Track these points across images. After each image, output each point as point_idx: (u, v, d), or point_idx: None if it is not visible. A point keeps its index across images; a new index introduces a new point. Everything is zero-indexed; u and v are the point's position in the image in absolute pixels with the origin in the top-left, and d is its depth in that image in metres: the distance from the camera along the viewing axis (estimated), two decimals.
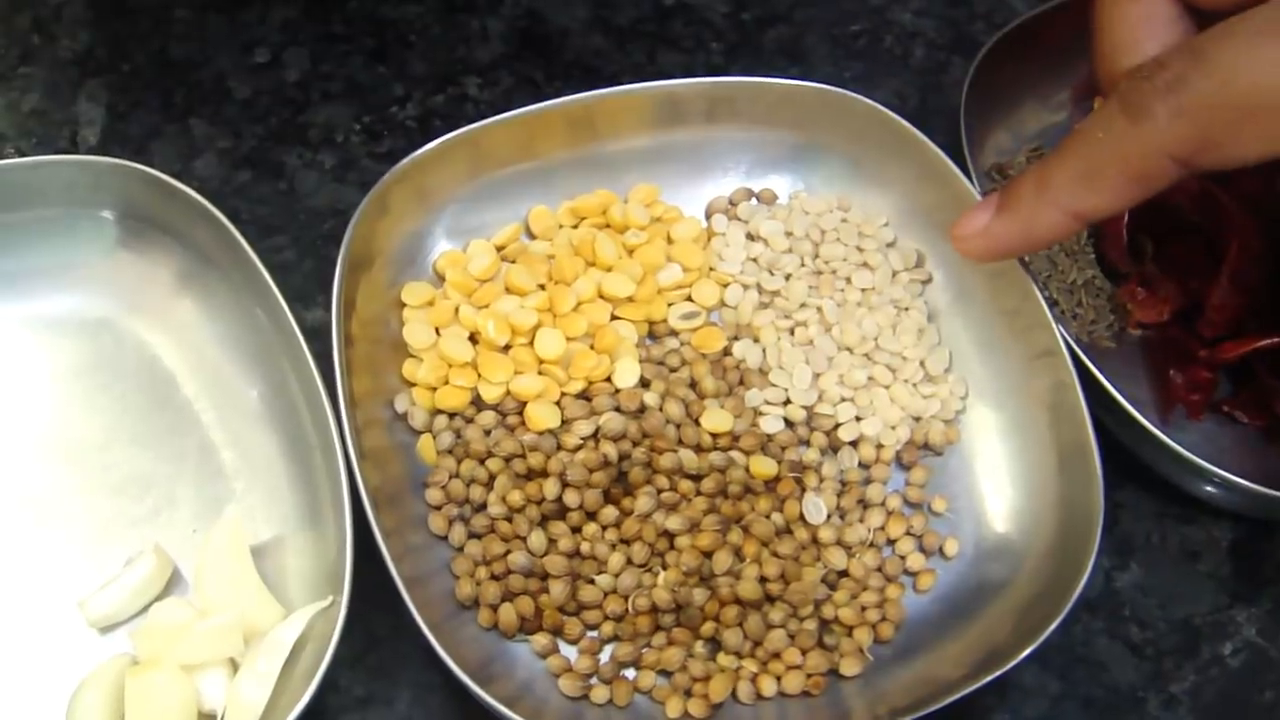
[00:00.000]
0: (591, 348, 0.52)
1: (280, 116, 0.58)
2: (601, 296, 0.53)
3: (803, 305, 0.54)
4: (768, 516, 0.50)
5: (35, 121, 0.58)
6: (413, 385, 0.52)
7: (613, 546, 0.49)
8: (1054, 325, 0.49)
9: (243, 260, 0.49)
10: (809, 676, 0.48)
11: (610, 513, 0.49)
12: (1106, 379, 0.50)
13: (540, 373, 0.52)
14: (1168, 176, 0.40)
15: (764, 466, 0.51)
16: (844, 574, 0.50)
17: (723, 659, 0.48)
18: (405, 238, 0.53)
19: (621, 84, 0.55)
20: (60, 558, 0.49)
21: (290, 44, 0.60)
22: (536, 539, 0.49)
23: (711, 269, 0.55)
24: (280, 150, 0.57)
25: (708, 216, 0.56)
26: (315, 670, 0.44)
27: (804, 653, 0.48)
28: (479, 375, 0.51)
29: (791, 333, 0.54)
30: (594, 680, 0.48)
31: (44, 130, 0.58)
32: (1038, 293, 0.50)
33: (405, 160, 0.51)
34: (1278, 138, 0.37)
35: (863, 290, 0.54)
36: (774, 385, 0.53)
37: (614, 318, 0.53)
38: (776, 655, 0.48)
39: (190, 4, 0.61)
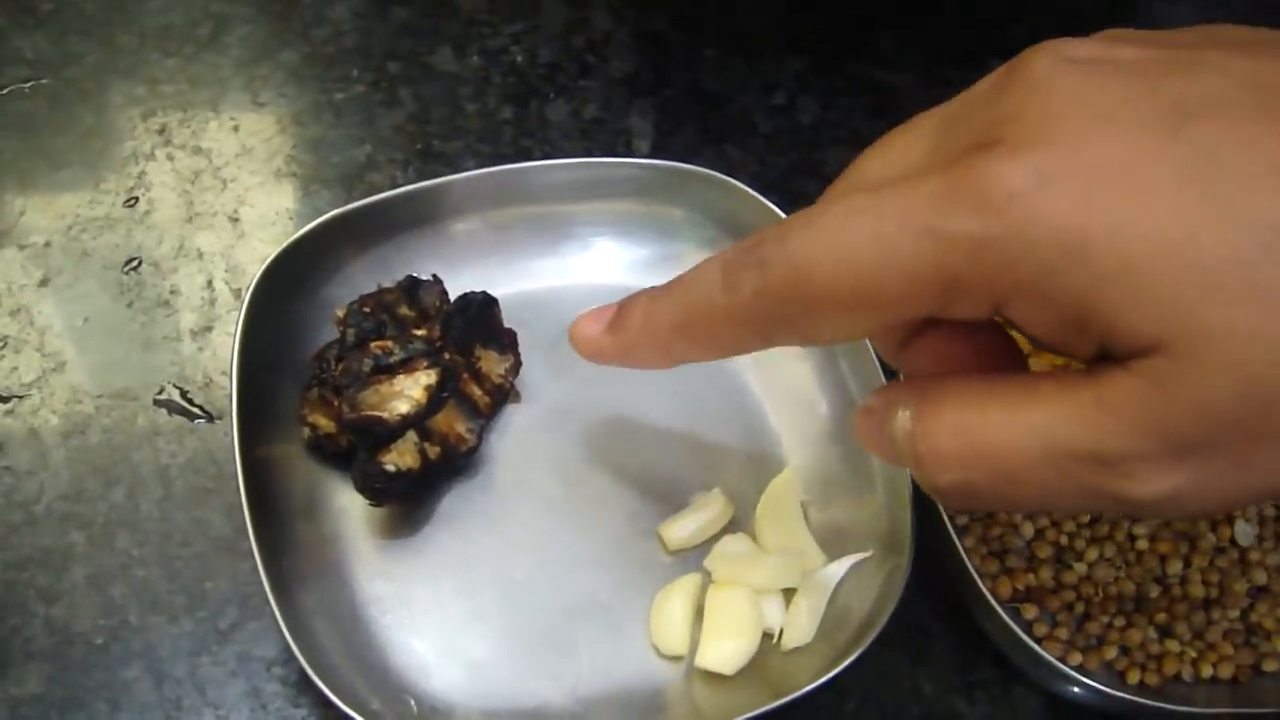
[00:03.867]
0: None
1: (798, 152, 0.70)
2: None
3: None
4: (1210, 534, 0.61)
5: (595, 128, 0.70)
6: None
7: (1088, 543, 0.61)
8: None
9: None
10: (1238, 667, 0.59)
11: (1087, 515, 0.61)
12: None
13: None
14: (752, 346, 0.40)
15: None
16: (1264, 589, 0.62)
17: (1169, 644, 0.60)
18: None
19: None
20: (640, 495, 0.61)
21: (802, 92, 0.72)
22: (1028, 528, 0.61)
23: None
24: (800, 181, 0.69)
25: None
26: (861, 612, 0.55)
27: (1235, 648, 0.60)
28: None
29: None
30: (1070, 647, 0.59)
31: (604, 137, 0.70)
32: None
33: None
34: (848, 326, 0.36)
35: None
36: None
37: None
38: (1212, 646, 0.60)
39: (716, 45, 0.73)
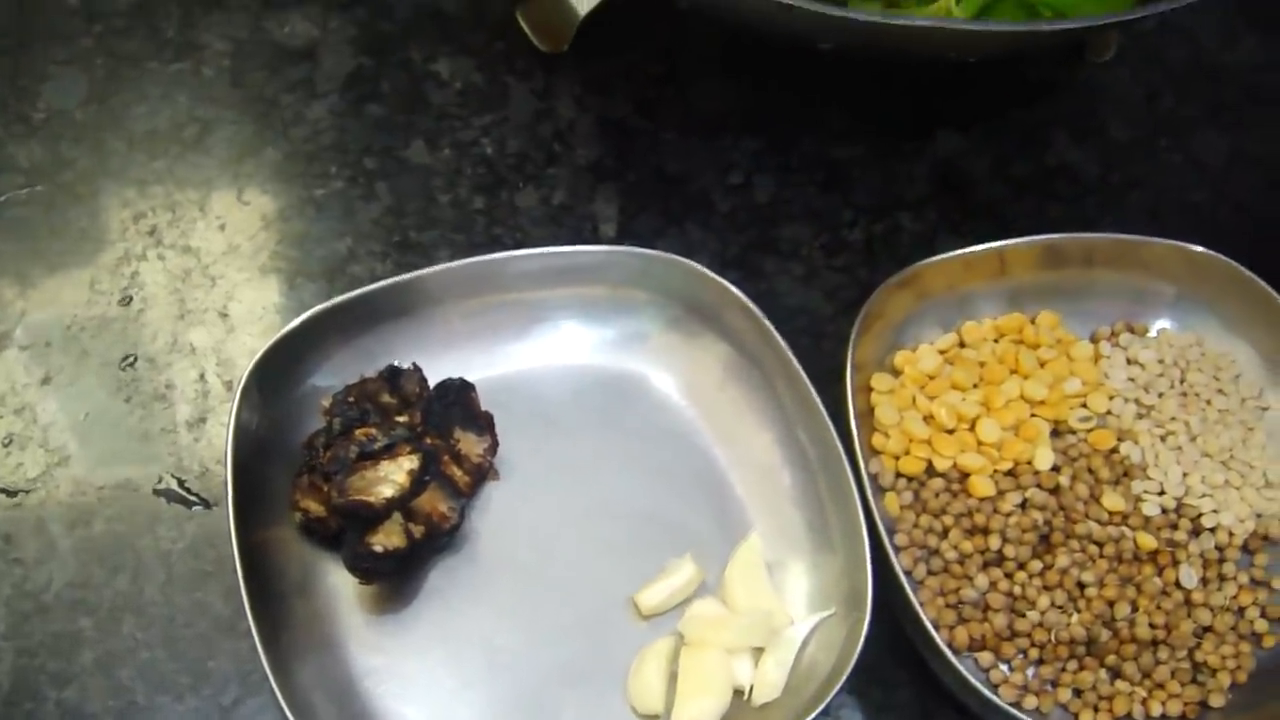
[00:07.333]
0: (1017, 436, 0.68)
1: (755, 229, 0.74)
2: (1022, 397, 0.69)
3: (1172, 419, 0.70)
4: (1155, 578, 0.65)
5: (564, 214, 0.74)
6: (880, 453, 0.67)
7: (1039, 591, 0.64)
8: None
9: (769, 341, 0.65)
10: (1185, 704, 0.63)
11: (1037, 564, 0.65)
12: None
13: (979, 452, 0.67)
14: None
15: (1146, 540, 0.66)
16: (1209, 629, 0.65)
17: (1120, 684, 0.63)
18: (878, 339, 0.69)
19: (1020, 232, 0.71)
20: (616, 564, 0.64)
21: (758, 171, 0.76)
22: (981, 580, 0.64)
23: (1100, 383, 0.71)
24: (757, 257, 0.73)
25: (1094, 341, 0.72)
26: (826, 666, 0.59)
27: (1182, 685, 0.63)
28: (932, 449, 0.67)
29: (1164, 439, 0.69)
30: (1025, 691, 0.63)
31: (572, 222, 0.74)
32: None
33: (879, 288, 0.67)
34: None
35: (1220, 411, 0.70)
36: (1150, 479, 0.68)
37: (1031, 415, 0.69)
38: (1161, 685, 0.63)
39: (675, 130, 0.77)
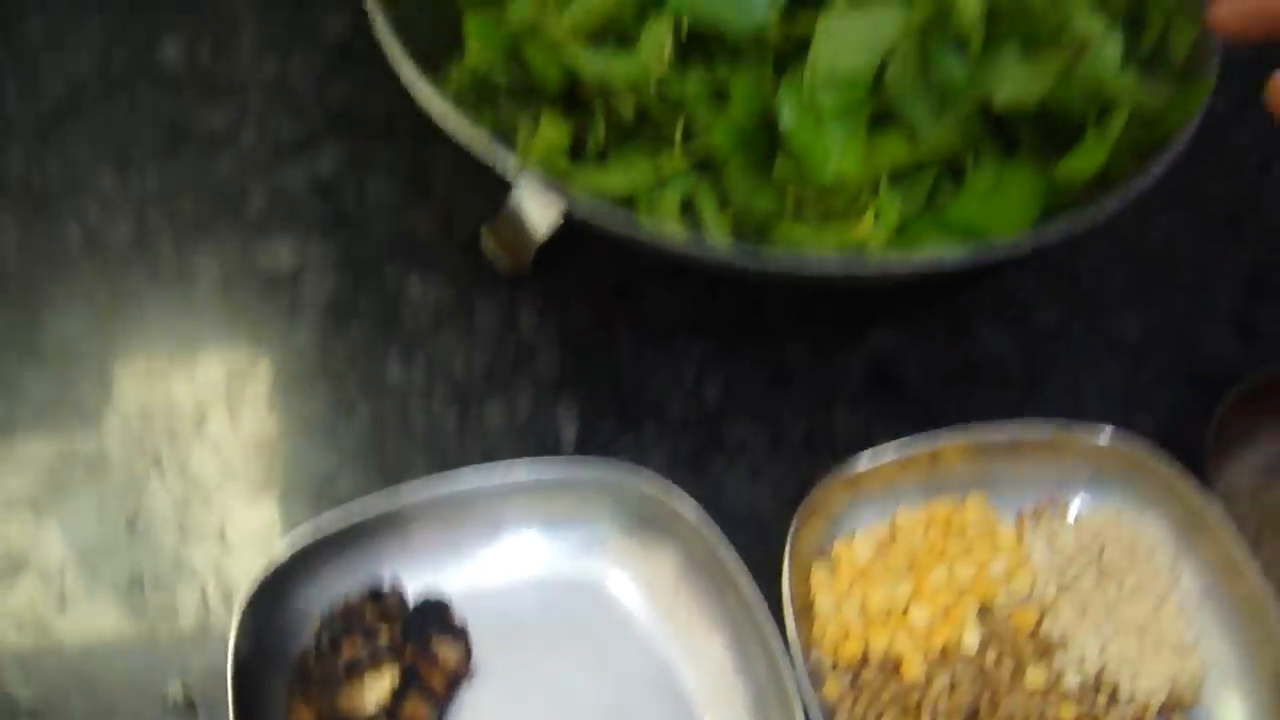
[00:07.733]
0: (946, 619, 0.75)
1: (704, 429, 0.81)
2: (950, 581, 0.76)
3: (1091, 593, 0.76)
4: None
5: (528, 425, 0.81)
6: (819, 643, 0.74)
7: None
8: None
9: (717, 544, 0.72)
10: None
11: None
12: None
13: (910, 637, 0.74)
14: None
15: (1067, 713, 0.73)
16: None
17: None
18: (816, 531, 0.76)
19: (949, 420, 0.78)
20: None
21: (707, 373, 0.83)
22: None
23: (1023, 563, 0.77)
24: (707, 457, 0.80)
25: (1018, 520, 0.79)
26: None
27: None
28: (868, 636, 0.74)
29: (1083, 614, 0.76)
30: None
31: (535, 431, 0.81)
32: (1267, 593, 0.72)
33: (815, 488, 0.74)
34: None
35: (1135, 584, 0.77)
36: (1070, 651, 0.75)
37: (960, 595, 0.76)
38: None
39: (631, 337, 0.85)
